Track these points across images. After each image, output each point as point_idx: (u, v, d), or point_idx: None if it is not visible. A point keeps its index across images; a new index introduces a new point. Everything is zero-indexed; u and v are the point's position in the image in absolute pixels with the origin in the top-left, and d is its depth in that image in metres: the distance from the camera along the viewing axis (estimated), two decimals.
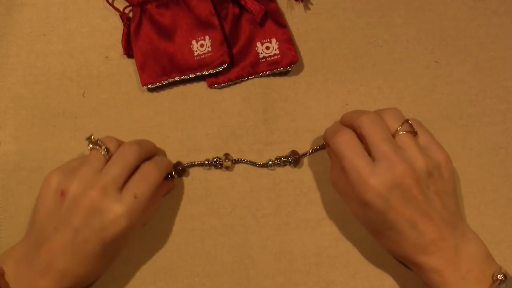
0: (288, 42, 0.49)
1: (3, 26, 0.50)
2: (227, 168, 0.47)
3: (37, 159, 0.48)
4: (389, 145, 0.39)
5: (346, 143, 0.40)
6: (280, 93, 0.49)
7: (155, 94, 0.49)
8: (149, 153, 0.45)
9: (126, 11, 0.49)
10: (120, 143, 0.43)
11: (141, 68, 0.48)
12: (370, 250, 0.46)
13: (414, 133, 0.41)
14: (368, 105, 0.49)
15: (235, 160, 0.48)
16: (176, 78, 0.48)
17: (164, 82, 0.48)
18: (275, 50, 0.49)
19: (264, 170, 0.48)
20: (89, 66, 0.49)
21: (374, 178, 0.38)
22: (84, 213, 0.38)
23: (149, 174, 0.42)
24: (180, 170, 0.47)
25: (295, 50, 0.49)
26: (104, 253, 0.40)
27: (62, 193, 0.40)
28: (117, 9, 0.49)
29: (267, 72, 0.49)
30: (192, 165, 0.47)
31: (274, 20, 0.49)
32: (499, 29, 0.50)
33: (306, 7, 0.51)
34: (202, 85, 0.49)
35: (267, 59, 0.49)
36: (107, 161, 0.42)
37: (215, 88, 0.49)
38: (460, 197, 0.47)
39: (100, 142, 0.42)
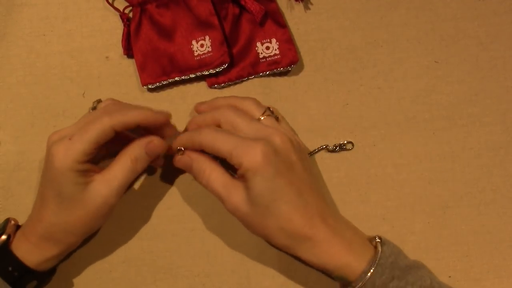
0: (288, 42, 0.49)
1: (3, 26, 0.50)
2: None
3: (37, 160, 0.48)
4: (258, 123, 0.41)
5: (215, 131, 0.40)
6: (280, 93, 0.49)
7: (155, 94, 0.49)
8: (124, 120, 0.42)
9: (126, 11, 0.49)
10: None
11: (141, 68, 0.48)
12: None
13: (276, 118, 0.44)
14: (368, 105, 0.49)
15: None
16: (176, 78, 0.48)
17: (164, 82, 0.48)
18: (275, 50, 0.49)
19: None
20: (89, 66, 0.49)
21: (259, 143, 0.38)
22: (45, 156, 0.42)
23: (95, 119, 0.40)
24: None
25: (295, 50, 0.49)
26: (59, 197, 0.40)
27: None
28: (117, 9, 0.49)
29: (267, 72, 0.49)
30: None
31: (274, 20, 0.49)
32: (499, 29, 0.50)
33: (306, 7, 0.50)
34: (202, 85, 0.49)
35: (267, 59, 0.49)
36: None
37: (215, 88, 0.49)
38: (460, 197, 0.47)
39: (97, 105, 0.45)
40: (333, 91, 0.49)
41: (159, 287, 0.46)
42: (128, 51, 0.49)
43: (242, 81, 0.49)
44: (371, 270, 0.38)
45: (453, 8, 0.50)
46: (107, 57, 0.50)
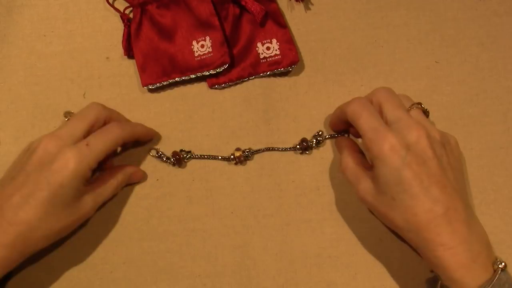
0: (288, 43, 0.49)
1: (4, 27, 0.50)
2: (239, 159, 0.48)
3: None
4: (405, 112, 0.41)
5: (362, 106, 0.41)
6: (280, 93, 0.49)
7: (155, 94, 0.49)
8: (113, 115, 0.46)
9: (127, 11, 0.49)
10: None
11: (142, 69, 0.48)
12: (371, 251, 0.46)
13: (426, 113, 0.43)
14: None
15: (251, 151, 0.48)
16: (177, 79, 0.48)
17: (165, 83, 0.48)
18: (276, 50, 0.49)
19: (265, 170, 0.48)
20: (89, 67, 0.49)
21: (392, 134, 0.39)
22: (38, 158, 0.40)
23: (108, 129, 0.43)
24: (177, 158, 0.47)
25: (296, 50, 0.49)
26: (52, 201, 0.39)
27: (28, 149, 0.43)
28: (117, 10, 0.49)
29: (268, 73, 0.49)
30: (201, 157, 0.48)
31: (274, 20, 0.49)
32: (500, 29, 0.50)
33: (307, 8, 0.51)
34: (203, 85, 0.49)
35: (268, 59, 0.49)
36: None
37: (215, 88, 0.49)
38: None
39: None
40: (333, 92, 0.49)
41: None
42: (129, 52, 0.49)
43: (243, 81, 0.49)
44: None
45: (453, 8, 0.50)
46: (107, 58, 0.50)
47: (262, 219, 0.47)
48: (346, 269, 0.46)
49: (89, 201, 0.43)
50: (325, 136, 0.48)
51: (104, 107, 0.45)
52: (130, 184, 0.47)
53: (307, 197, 0.47)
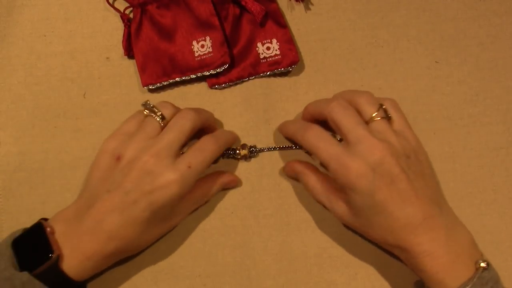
0: (288, 43, 0.49)
1: (4, 27, 0.50)
2: (245, 157, 0.47)
3: (38, 160, 0.48)
4: (364, 129, 0.40)
5: (317, 137, 0.41)
6: (280, 93, 0.49)
7: (155, 94, 0.49)
8: (206, 122, 0.45)
9: (127, 12, 0.49)
10: (176, 109, 0.44)
11: (142, 69, 0.48)
12: (371, 250, 0.46)
13: (388, 118, 0.42)
14: None
15: (256, 149, 0.48)
16: (177, 79, 0.48)
17: (165, 83, 0.48)
18: (276, 50, 0.49)
19: (265, 170, 0.48)
20: (89, 67, 0.49)
21: (355, 161, 0.38)
22: (136, 176, 0.40)
23: (207, 146, 0.43)
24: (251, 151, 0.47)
25: (296, 50, 0.49)
26: (152, 219, 0.40)
27: (118, 158, 0.41)
28: (117, 10, 0.49)
29: (268, 73, 0.49)
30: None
31: (274, 20, 0.49)
32: (500, 29, 0.50)
33: (307, 8, 0.51)
34: (203, 85, 0.49)
35: (268, 59, 0.49)
36: (162, 127, 0.43)
37: (216, 88, 0.49)
38: (461, 197, 0.47)
39: (155, 109, 0.43)
40: (333, 92, 0.49)
41: None
42: (129, 52, 0.49)
43: (243, 81, 0.49)
44: None
45: (453, 8, 0.50)
46: (107, 58, 0.50)
47: (262, 219, 0.47)
48: (346, 269, 0.46)
49: (184, 209, 0.44)
50: None
51: (197, 113, 0.43)
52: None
53: (307, 197, 0.47)
